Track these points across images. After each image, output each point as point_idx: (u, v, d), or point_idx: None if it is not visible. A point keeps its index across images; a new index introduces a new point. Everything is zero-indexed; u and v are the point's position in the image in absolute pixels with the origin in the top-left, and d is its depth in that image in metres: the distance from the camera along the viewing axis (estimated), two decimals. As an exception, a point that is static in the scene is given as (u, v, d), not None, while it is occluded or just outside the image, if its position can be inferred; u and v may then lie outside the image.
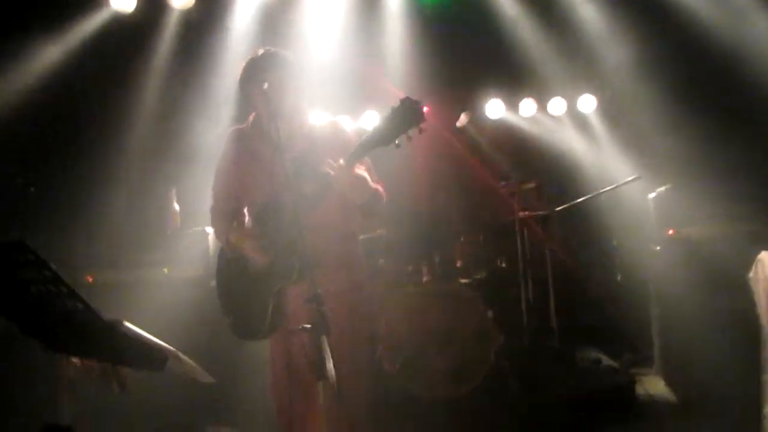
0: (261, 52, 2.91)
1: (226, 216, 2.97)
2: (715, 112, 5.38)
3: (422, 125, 2.42)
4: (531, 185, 5.35)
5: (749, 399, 3.35)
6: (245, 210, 2.99)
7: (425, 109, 2.46)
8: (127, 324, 1.82)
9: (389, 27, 5.47)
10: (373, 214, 2.95)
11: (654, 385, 4.78)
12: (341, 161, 2.60)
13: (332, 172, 2.60)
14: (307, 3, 5.21)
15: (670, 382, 4.69)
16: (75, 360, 1.88)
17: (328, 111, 5.58)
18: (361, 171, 2.77)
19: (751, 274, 3.39)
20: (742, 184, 4.60)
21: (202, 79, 5.29)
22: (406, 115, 2.41)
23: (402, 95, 2.46)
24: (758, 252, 3.36)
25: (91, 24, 5.07)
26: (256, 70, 2.85)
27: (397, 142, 2.45)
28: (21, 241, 1.73)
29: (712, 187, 4.54)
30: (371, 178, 2.84)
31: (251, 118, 3.01)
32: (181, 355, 1.91)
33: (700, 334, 4.26)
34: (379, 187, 2.88)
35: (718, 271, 4.31)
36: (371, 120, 6.18)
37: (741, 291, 3.45)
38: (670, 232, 4.56)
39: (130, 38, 5.17)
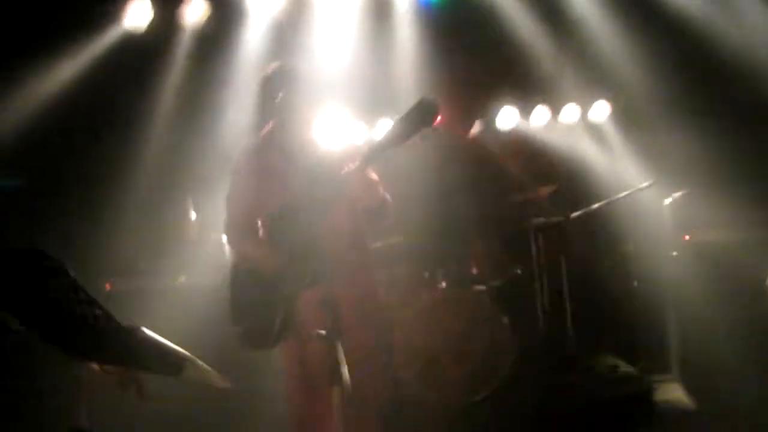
0: (273, 66, 2.96)
1: (240, 229, 2.99)
2: (732, 116, 5.35)
3: (435, 122, 2.35)
4: (545, 192, 5.33)
5: (768, 406, 3.32)
6: (259, 223, 3.02)
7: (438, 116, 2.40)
8: (145, 330, 1.84)
9: (401, 36, 5.49)
10: (381, 221, 2.96)
11: (672, 392, 4.74)
12: (355, 163, 2.59)
13: (345, 174, 2.59)
14: (318, 14, 5.25)
15: (688, 389, 4.65)
16: (94, 365, 1.90)
17: (342, 119, 5.67)
18: (372, 176, 2.78)
19: (768, 281, 3.38)
20: (759, 189, 4.57)
21: (215, 92, 5.34)
22: (422, 113, 2.34)
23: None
24: (775, 258, 3.35)
25: (103, 42, 5.11)
26: (269, 84, 2.91)
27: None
28: (40, 248, 1.75)
29: (728, 192, 4.52)
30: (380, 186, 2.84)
31: (265, 130, 3.04)
32: (197, 360, 1.93)
33: (718, 340, 4.22)
34: (387, 195, 2.89)
35: (735, 277, 4.28)
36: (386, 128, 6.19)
37: (759, 297, 3.43)
38: (686, 237, 4.53)
39: (143, 56, 5.23)
